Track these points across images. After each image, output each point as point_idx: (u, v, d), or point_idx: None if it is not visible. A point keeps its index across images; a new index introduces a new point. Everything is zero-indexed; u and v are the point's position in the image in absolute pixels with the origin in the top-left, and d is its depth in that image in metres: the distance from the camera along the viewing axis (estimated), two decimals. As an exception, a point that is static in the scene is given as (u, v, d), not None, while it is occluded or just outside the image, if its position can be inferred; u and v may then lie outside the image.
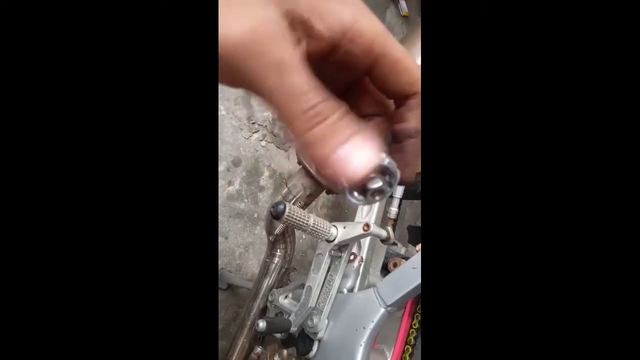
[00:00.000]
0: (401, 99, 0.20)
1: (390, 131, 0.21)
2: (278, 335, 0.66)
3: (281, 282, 0.81)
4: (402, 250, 0.76)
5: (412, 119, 0.20)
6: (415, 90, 0.19)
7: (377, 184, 0.17)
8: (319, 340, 0.61)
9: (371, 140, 0.17)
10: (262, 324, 0.58)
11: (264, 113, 1.28)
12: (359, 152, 0.16)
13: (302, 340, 0.62)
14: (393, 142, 0.20)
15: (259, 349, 0.66)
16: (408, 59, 0.19)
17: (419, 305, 0.66)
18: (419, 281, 0.53)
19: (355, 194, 0.18)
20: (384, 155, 0.17)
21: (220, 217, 1.12)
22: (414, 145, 0.20)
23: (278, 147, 1.31)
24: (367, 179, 0.17)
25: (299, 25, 0.16)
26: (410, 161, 0.20)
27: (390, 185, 0.18)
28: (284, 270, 0.81)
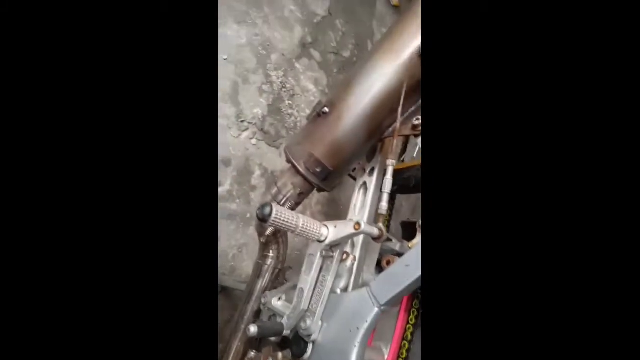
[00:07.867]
0: None
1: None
2: (272, 338, 0.65)
3: (276, 282, 0.80)
4: (397, 246, 0.74)
5: None
6: None
7: None
8: (313, 342, 0.60)
9: None
10: (253, 329, 0.57)
11: (253, 110, 1.26)
12: None
13: (297, 342, 0.61)
14: None
15: (252, 354, 0.65)
16: None
17: (415, 301, 0.65)
18: (413, 279, 0.52)
19: None
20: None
21: (212, 219, 1.10)
22: None
23: (269, 145, 1.29)
24: None
25: None
26: None
27: None
28: (277, 271, 0.79)
